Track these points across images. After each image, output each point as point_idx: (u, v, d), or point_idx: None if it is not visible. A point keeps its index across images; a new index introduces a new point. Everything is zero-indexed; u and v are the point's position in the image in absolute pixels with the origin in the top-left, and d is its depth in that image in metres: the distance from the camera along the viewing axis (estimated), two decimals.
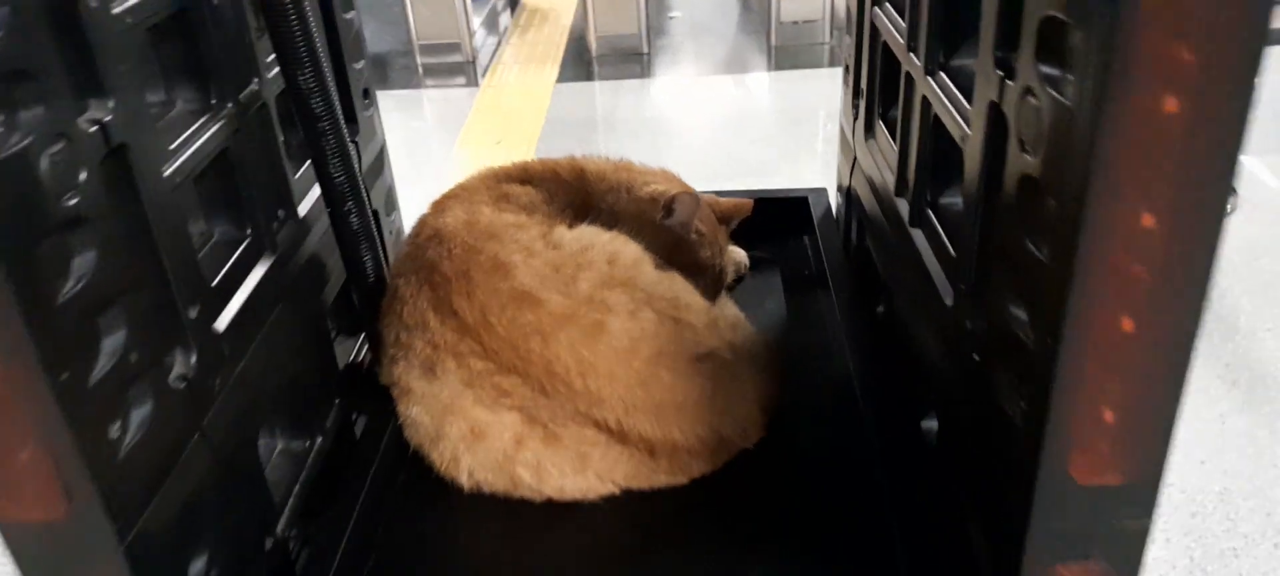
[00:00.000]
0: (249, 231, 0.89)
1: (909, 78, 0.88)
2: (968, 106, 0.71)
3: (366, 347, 1.15)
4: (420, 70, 3.79)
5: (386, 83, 3.66)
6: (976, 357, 0.71)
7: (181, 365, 0.75)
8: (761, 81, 3.60)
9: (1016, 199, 0.61)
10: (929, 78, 0.81)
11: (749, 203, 1.16)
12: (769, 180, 2.43)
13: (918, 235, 0.87)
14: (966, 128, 0.71)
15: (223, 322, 0.81)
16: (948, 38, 0.80)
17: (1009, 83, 0.61)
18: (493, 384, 0.88)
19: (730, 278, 1.15)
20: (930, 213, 0.84)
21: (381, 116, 1.24)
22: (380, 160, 1.23)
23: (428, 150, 2.90)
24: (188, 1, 0.79)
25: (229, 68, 0.85)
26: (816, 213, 1.26)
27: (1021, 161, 0.60)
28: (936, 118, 0.81)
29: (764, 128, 3.01)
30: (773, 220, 1.24)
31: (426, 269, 0.93)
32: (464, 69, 3.80)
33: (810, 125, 3.01)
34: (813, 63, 3.68)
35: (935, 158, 0.84)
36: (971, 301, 0.72)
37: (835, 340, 1.07)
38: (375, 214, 1.19)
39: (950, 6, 0.79)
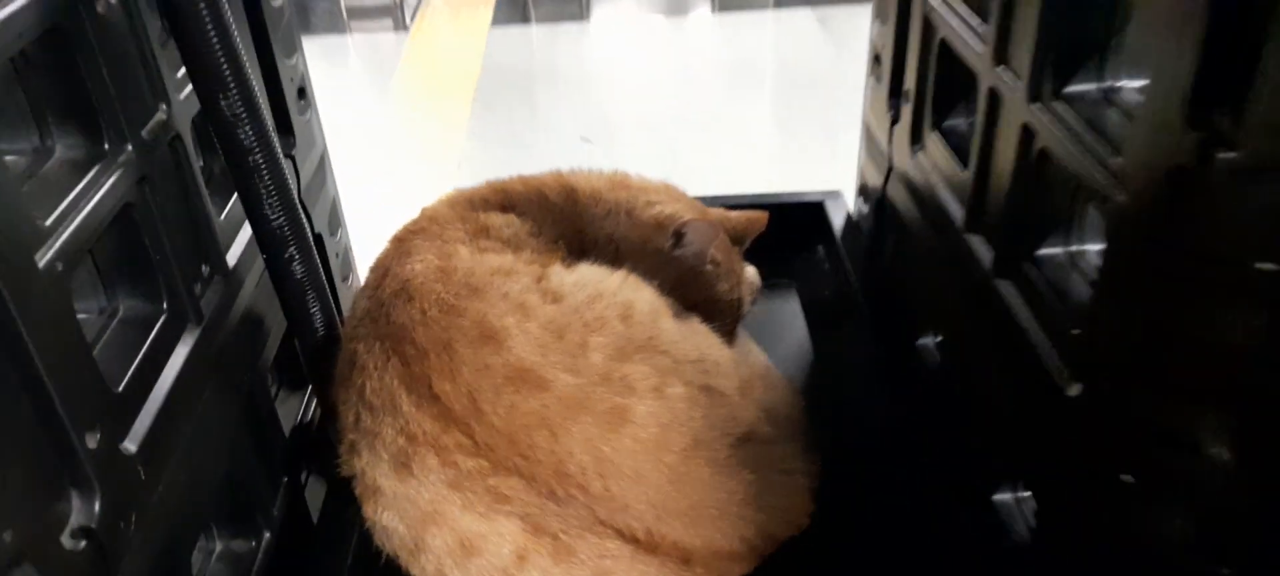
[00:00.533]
0: (166, 303, 0.69)
1: (996, 96, 0.71)
2: (1115, 160, 0.55)
3: (316, 405, 0.96)
4: (344, 13, 3.49)
5: (309, 28, 3.36)
6: (1128, 477, 0.56)
7: (81, 515, 0.56)
8: (705, 23, 3.40)
9: (1238, 314, 0.46)
10: (1035, 106, 0.65)
11: (764, 215, 0.99)
12: (719, 133, 2.24)
13: (1006, 289, 0.71)
14: (1118, 190, 0.55)
15: (135, 438, 0.62)
16: (1068, 55, 0.63)
17: (1226, 154, 0.45)
18: (487, 487, 0.70)
19: (748, 307, 0.99)
20: (1030, 267, 0.69)
21: (319, 114, 1.03)
22: (322, 170, 1.02)
23: (359, 103, 2.64)
24: (62, 16, 0.58)
25: (126, 95, 0.65)
26: (836, 222, 1.10)
27: (1248, 266, 0.44)
28: (1045, 153, 0.65)
29: (710, 75, 2.81)
30: (782, 230, 1.06)
31: (394, 336, 0.74)
32: (391, 11, 3.51)
33: (757, 73, 2.82)
34: (757, 4, 3.49)
35: (1039, 201, 0.68)
36: (1119, 406, 0.57)
37: (875, 385, 0.92)
38: (319, 238, 0.99)
39: (1073, 13, 0.62)
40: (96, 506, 0.57)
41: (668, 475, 0.70)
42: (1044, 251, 0.69)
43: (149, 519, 0.63)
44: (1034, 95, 0.65)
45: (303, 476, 0.92)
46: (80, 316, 0.66)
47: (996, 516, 0.79)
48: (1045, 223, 0.69)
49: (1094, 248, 0.67)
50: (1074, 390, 0.62)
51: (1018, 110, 0.67)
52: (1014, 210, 0.70)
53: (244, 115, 0.70)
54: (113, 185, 0.62)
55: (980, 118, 0.73)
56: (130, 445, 0.61)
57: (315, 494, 0.91)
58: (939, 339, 0.93)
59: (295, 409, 0.95)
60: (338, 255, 1.05)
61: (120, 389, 0.61)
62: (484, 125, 2.34)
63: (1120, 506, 0.58)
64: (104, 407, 0.59)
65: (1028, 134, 0.66)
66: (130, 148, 0.64)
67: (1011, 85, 0.68)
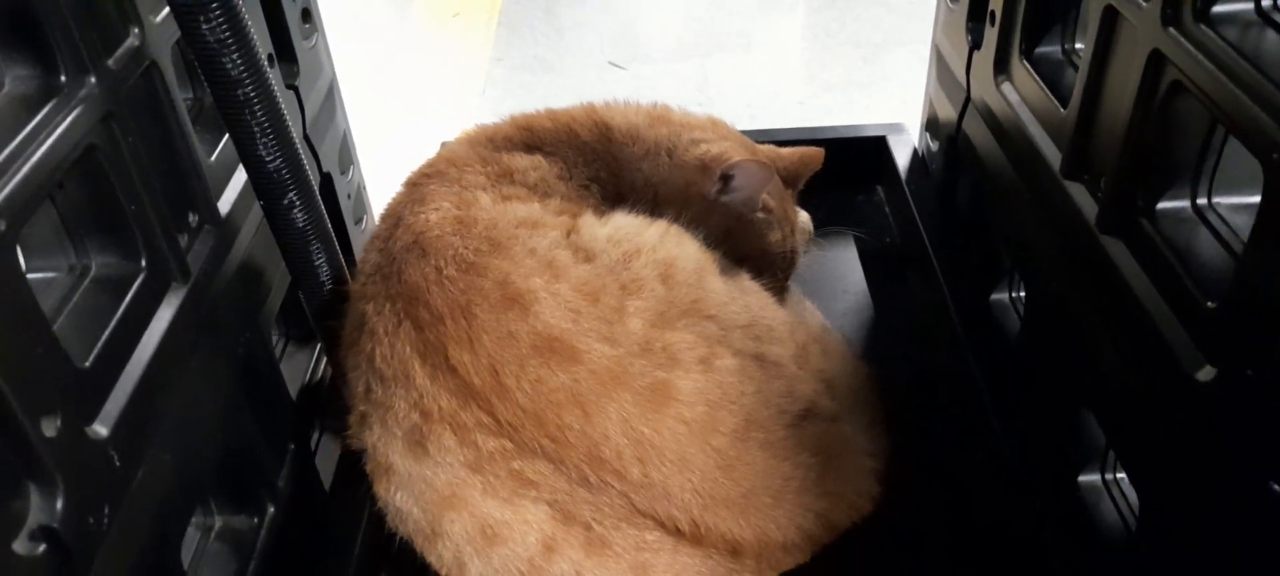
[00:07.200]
0: (144, 260, 0.60)
1: (1114, 18, 0.60)
2: None
3: (326, 363, 0.88)
4: None
5: None
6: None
7: (41, 513, 0.48)
8: None
9: None
10: (1172, 30, 0.53)
11: (819, 152, 0.88)
12: (757, 57, 2.10)
13: (1115, 248, 0.61)
14: None
15: (108, 420, 0.54)
16: None
17: None
18: (511, 470, 0.62)
19: (802, 256, 0.88)
20: (1146, 223, 0.58)
21: (326, 39, 0.93)
22: (331, 101, 0.92)
23: (373, 25, 2.49)
24: None
25: (89, 18, 0.55)
26: (901, 160, 0.98)
27: None
28: (1178, 87, 0.54)
29: None
30: (837, 168, 0.93)
31: (407, 296, 0.65)
32: None
33: None
34: None
35: (1163, 145, 0.57)
36: (1269, 398, 0.47)
37: (945, 349, 0.82)
38: (327, 178, 0.90)
39: None
40: (58, 503, 0.49)
41: (716, 460, 0.61)
42: (1164, 204, 0.59)
43: (128, 509, 0.55)
44: (1171, 17, 0.53)
45: (313, 442, 0.84)
46: (44, 276, 0.58)
47: (1081, 500, 0.69)
48: (1168, 170, 0.58)
49: (1231, 200, 0.57)
50: (1206, 374, 0.52)
51: (1146, 35, 0.56)
52: (1130, 155, 0.59)
53: (230, 40, 0.60)
54: (71, 124, 0.53)
55: (1091, 44, 0.62)
56: (101, 428, 0.53)
57: (328, 460, 0.84)
58: (1020, 295, 0.83)
59: (304, 365, 0.87)
60: (349, 196, 0.95)
61: (88, 364, 0.53)
62: (508, 48, 2.22)
63: (1261, 516, 0.48)
64: (64, 388, 0.50)
65: (1157, 63, 0.55)
66: (93, 79, 0.55)
67: (1139, 5, 0.56)
